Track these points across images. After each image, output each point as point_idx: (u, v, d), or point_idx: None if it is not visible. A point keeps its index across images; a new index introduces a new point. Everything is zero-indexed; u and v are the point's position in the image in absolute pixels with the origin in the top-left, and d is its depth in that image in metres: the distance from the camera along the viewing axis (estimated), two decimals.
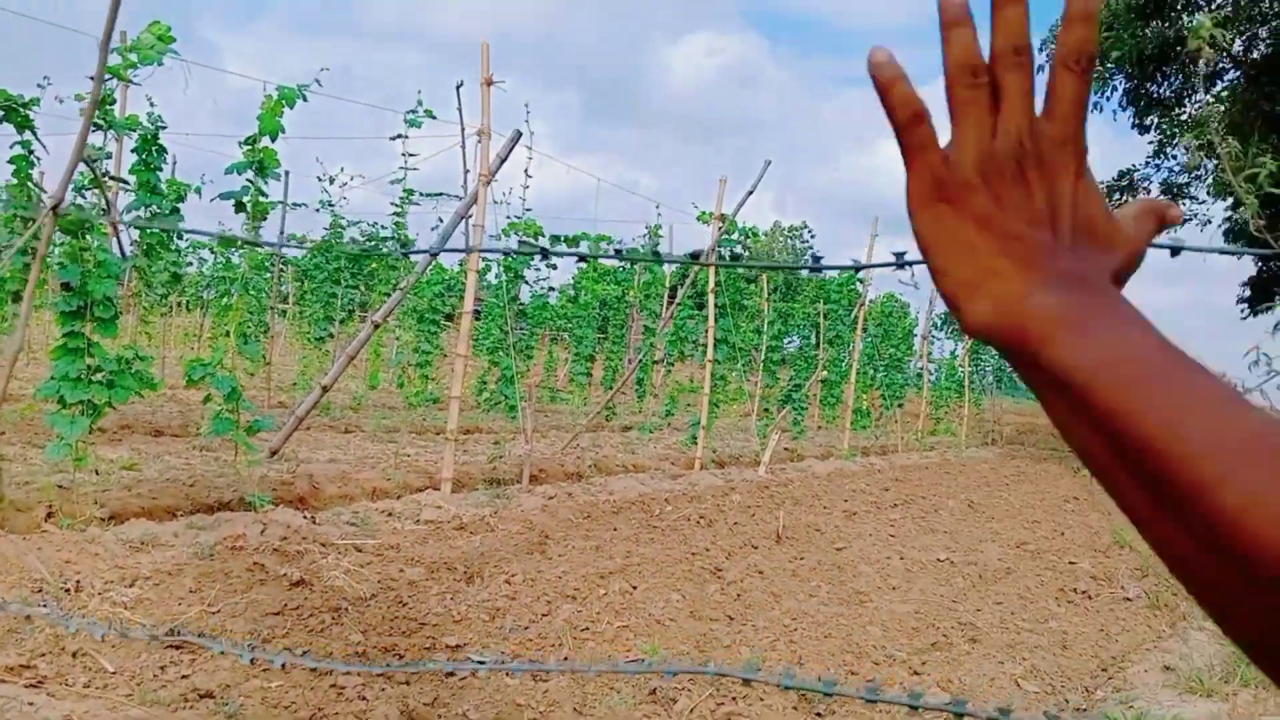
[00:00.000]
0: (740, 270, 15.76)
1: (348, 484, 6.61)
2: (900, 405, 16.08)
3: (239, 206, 4.99)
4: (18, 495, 5.16)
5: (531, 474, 7.52)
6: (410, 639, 3.56)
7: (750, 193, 9.58)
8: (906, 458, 13.53)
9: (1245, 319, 18.88)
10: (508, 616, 3.97)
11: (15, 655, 2.97)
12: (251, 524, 4.60)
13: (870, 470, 11.37)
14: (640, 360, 12.31)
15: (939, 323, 17.33)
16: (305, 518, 5.03)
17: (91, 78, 4.97)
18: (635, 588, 4.63)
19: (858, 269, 1.33)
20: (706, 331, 9.84)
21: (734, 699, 3.27)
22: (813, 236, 51.82)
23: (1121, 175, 18.48)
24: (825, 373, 13.97)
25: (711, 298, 9.74)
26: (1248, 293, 18.78)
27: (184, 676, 2.96)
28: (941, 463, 13.69)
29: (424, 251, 5.69)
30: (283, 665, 3.03)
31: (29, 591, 3.61)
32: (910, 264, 1.27)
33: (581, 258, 2.68)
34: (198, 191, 10.82)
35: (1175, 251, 1.34)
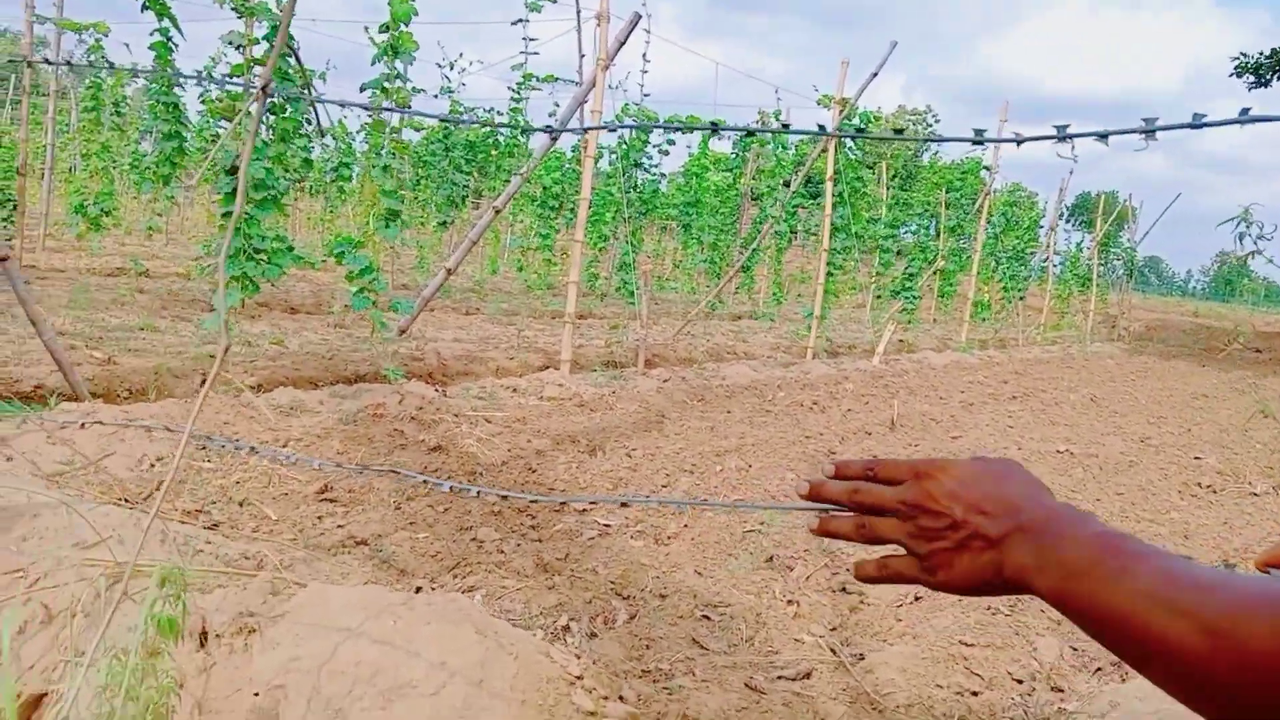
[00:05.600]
0: (857, 157, 15.31)
1: (473, 362, 6.89)
2: (1022, 298, 15.60)
3: (384, 93, 5.11)
4: (174, 364, 5.58)
5: (645, 358, 7.68)
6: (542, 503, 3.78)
7: (874, 75, 9.25)
8: (1027, 351, 13.22)
9: None
10: (629, 486, 4.15)
11: (191, 501, 3.28)
12: (389, 395, 4.88)
13: (988, 363, 11.18)
14: (753, 249, 12.22)
15: (1067, 213, 16.60)
16: (437, 391, 5.29)
17: None
18: (750, 466, 4.76)
19: (1019, 141, 1.32)
20: (823, 220, 9.69)
21: (848, 569, 3.39)
22: (936, 121, 49.65)
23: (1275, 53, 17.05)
24: (943, 263, 13.63)
25: (830, 184, 9.56)
26: None
27: (340, 526, 3.23)
28: (1064, 357, 13.32)
29: (543, 130, 5.75)
30: (429, 523, 3.26)
31: (195, 448, 3.95)
32: (1071, 137, 1.25)
33: (714, 129, 2.70)
34: (322, 77, 11.05)
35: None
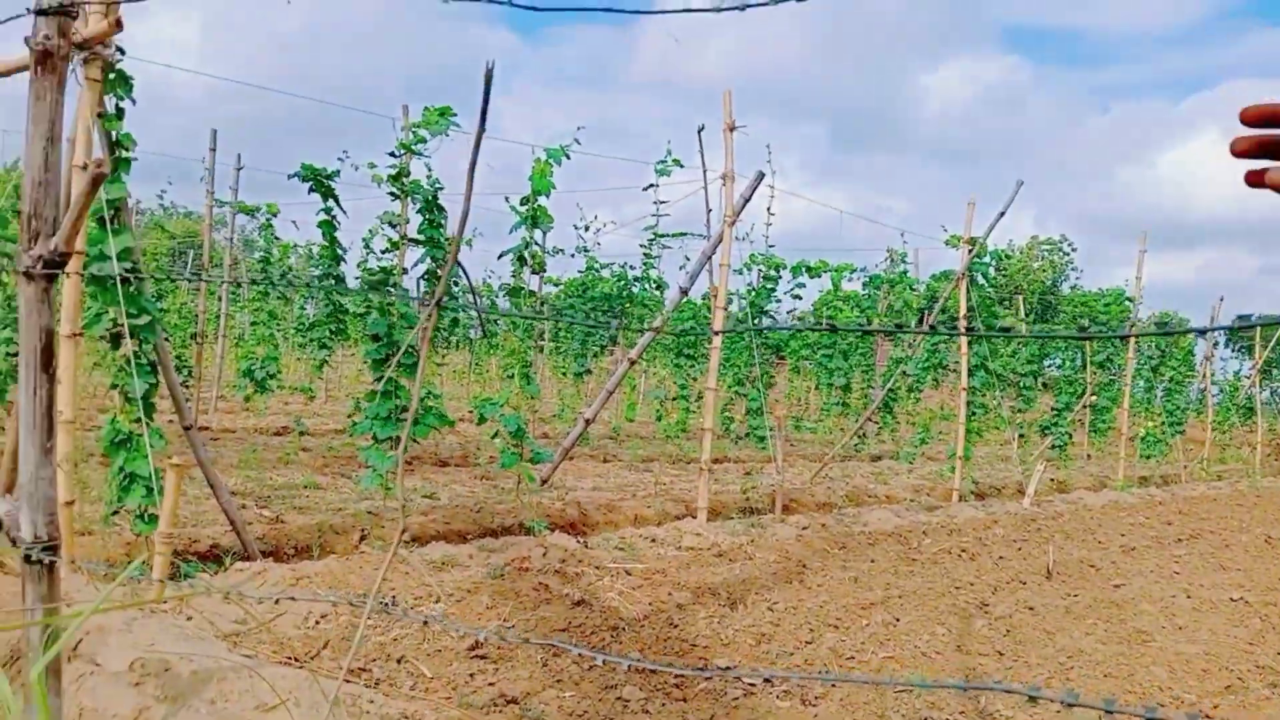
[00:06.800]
0: (990, 293, 15.16)
1: (612, 512, 7.00)
2: (1181, 432, 14.79)
3: (520, 260, 5.50)
4: (335, 520, 5.90)
5: (783, 504, 7.63)
6: (684, 659, 3.78)
7: (1001, 214, 9.28)
8: (1191, 488, 12.43)
9: None
10: (773, 642, 4.11)
11: (354, 660, 3.44)
12: (534, 548, 5.02)
13: (1150, 502, 10.56)
14: (888, 387, 12.11)
15: (1224, 340, 15.84)
16: (579, 542, 5.41)
17: (392, 153, 5.68)
18: (898, 620, 4.63)
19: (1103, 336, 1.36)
20: (960, 358, 9.57)
21: None
22: (1073, 250, 48.35)
23: None
24: (1095, 397, 13.12)
25: (963, 323, 9.48)
26: None
27: (490, 684, 3.32)
28: (1233, 493, 12.46)
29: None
30: (575, 679, 3.32)
31: (353, 605, 4.15)
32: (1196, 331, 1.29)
33: (832, 329, 2.80)
34: (469, 244, 11.75)
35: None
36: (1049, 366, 15.59)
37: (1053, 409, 12.67)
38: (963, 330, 8.93)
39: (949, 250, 9.91)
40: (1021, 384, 13.54)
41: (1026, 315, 14.28)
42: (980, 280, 10.36)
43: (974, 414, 10.02)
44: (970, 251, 9.34)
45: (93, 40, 3.53)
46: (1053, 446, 11.75)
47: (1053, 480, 11.42)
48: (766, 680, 2.99)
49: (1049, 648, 4.50)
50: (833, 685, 3.56)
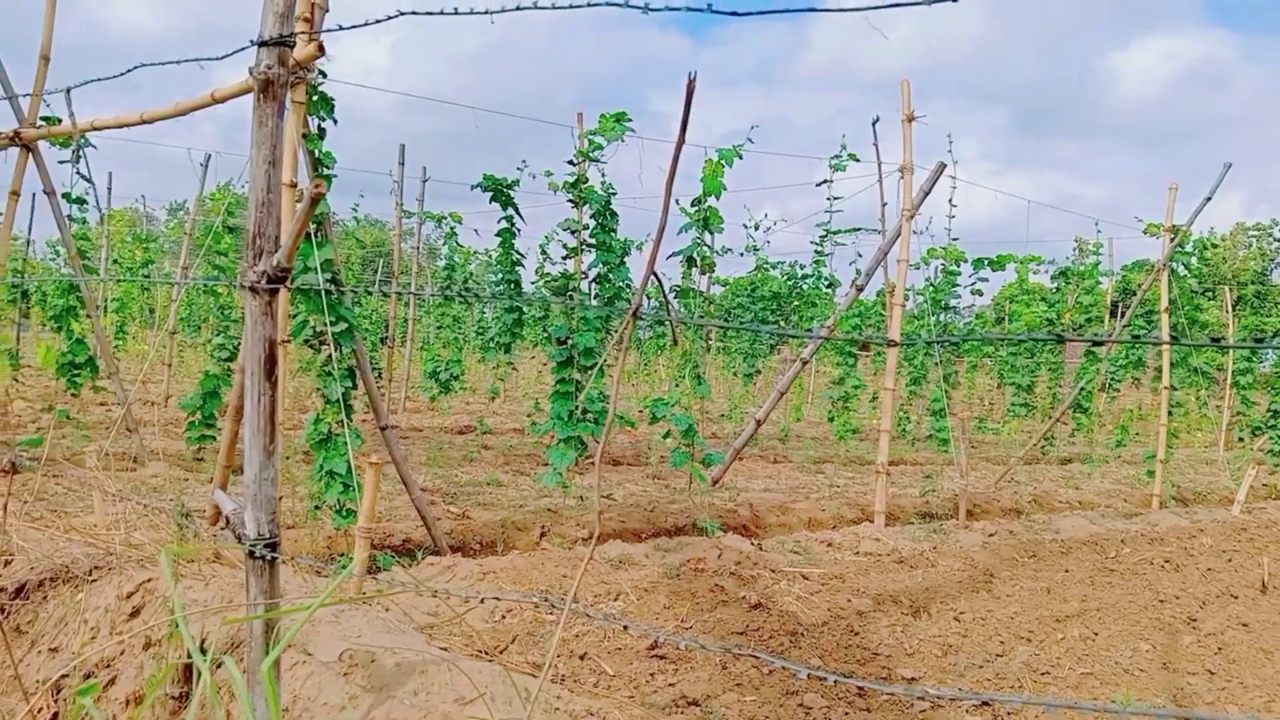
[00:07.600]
0: (1192, 285, 14.00)
1: (786, 514, 6.92)
2: None
3: (690, 262, 5.52)
4: (516, 517, 6.09)
5: (966, 509, 7.33)
6: (865, 668, 3.69)
7: (1208, 199, 8.60)
8: None
9: None
10: (960, 653, 3.95)
11: (538, 655, 3.54)
12: (708, 549, 5.02)
13: None
14: (1080, 387, 11.42)
15: None
16: (753, 544, 5.37)
17: (570, 161, 5.80)
18: (1096, 634, 4.36)
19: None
20: (1161, 354, 8.93)
21: None
22: None
23: None
24: None
25: (1164, 317, 8.83)
26: None
27: (671, 684, 3.34)
28: None
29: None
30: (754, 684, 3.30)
31: (541, 600, 4.27)
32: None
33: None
34: (639, 247, 11.90)
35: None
36: (1264, 365, 14.31)
37: (1269, 409, 11.61)
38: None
39: (1140, 241, 9.29)
40: (1239, 383, 12.48)
41: (1235, 307, 13.15)
42: (1182, 271, 9.63)
43: (1174, 414, 9.33)
44: (1172, 240, 8.70)
45: (298, 65, 3.78)
46: (1267, 450, 10.77)
47: (1265, 485, 10.49)
48: (985, 703, 2.86)
49: (1267, 668, 4.13)
50: (1025, 703, 3.39)
